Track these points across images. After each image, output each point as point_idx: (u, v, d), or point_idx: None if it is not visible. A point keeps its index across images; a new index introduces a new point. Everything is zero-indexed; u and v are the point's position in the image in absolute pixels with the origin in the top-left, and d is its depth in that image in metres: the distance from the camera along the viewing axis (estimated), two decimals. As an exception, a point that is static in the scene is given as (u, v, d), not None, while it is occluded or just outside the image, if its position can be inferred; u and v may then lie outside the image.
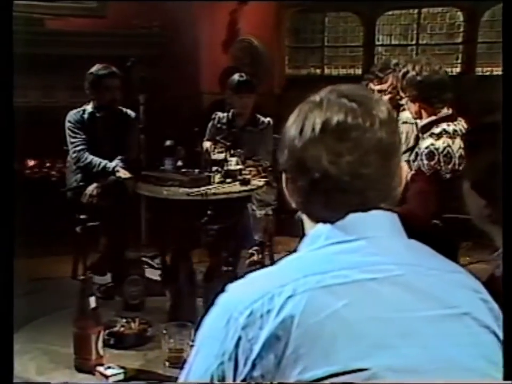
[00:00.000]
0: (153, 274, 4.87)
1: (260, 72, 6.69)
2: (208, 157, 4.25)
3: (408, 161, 3.42)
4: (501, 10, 6.72)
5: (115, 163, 4.68)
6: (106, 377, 1.82)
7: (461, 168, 3.27)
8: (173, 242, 4.62)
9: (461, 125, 3.39)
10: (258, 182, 4.10)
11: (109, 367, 1.84)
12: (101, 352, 1.89)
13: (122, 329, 2.04)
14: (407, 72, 3.43)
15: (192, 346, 1.94)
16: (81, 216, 4.65)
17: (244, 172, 4.08)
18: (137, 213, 4.43)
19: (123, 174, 4.60)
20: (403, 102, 3.52)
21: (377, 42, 6.97)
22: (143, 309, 2.26)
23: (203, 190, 3.83)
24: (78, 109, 4.84)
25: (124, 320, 2.07)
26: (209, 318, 1.11)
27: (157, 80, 5.84)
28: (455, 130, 3.33)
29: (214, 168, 4.05)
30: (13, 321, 2.04)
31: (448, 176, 3.26)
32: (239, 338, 1.04)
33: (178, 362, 1.92)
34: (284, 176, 1.21)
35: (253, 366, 1.02)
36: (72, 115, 4.81)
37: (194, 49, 6.75)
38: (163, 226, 4.35)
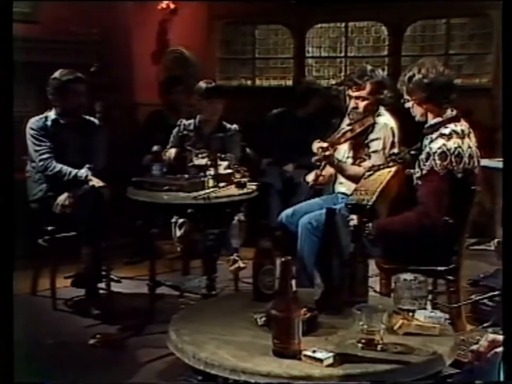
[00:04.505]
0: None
1: (190, 83, 6.65)
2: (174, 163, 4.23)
3: (418, 161, 3.50)
4: (421, 26, 7.14)
5: (85, 171, 4.49)
6: (321, 361, 1.75)
7: (470, 167, 3.40)
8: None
9: (464, 125, 3.52)
10: (252, 185, 4.06)
11: (314, 351, 1.77)
12: (301, 336, 1.82)
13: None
14: (413, 75, 3.50)
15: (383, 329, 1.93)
16: (49, 228, 4.42)
17: (237, 176, 4.03)
18: (117, 220, 4.28)
19: (96, 182, 4.42)
20: (408, 105, 3.57)
21: (307, 54, 7.16)
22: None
23: (205, 194, 3.76)
24: (40, 116, 4.60)
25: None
26: None
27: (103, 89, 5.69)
28: (462, 130, 3.45)
29: (208, 173, 3.98)
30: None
31: (460, 175, 3.37)
32: None
33: (371, 344, 1.90)
34: None
35: None
36: (34, 122, 4.57)
37: (128, 59, 6.62)
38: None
